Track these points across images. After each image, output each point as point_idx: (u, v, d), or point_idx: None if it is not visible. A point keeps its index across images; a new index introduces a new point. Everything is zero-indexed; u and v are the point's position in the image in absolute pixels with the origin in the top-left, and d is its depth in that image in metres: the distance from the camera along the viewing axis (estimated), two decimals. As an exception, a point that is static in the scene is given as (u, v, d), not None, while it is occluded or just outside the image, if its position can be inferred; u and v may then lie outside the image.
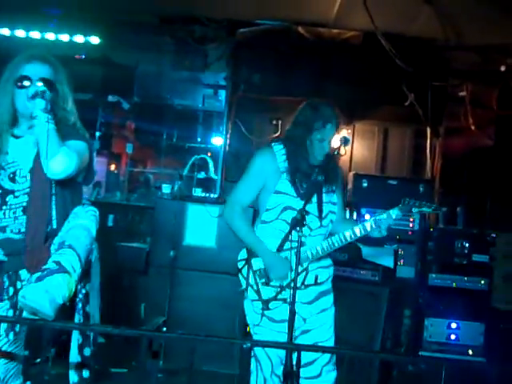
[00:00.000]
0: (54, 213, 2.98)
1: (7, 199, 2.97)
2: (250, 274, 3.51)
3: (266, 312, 3.48)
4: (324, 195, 3.51)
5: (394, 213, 3.44)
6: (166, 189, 5.68)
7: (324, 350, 3.57)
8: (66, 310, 2.84)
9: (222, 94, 7.34)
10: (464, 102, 6.91)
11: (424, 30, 6.35)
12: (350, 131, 6.96)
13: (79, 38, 7.59)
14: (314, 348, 3.50)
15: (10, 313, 2.97)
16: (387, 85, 6.73)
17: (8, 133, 3.03)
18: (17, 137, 3.05)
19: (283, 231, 3.40)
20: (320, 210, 3.47)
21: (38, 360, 3.51)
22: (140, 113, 7.60)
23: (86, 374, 3.24)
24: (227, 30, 7.06)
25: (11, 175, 3.00)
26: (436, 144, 7.05)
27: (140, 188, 8.03)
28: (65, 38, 7.61)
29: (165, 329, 4.89)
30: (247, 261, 3.55)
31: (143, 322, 5.26)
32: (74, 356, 3.23)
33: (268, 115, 7.09)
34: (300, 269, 3.37)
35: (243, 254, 3.59)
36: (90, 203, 3.19)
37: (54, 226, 2.97)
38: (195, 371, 3.75)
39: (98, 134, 7.61)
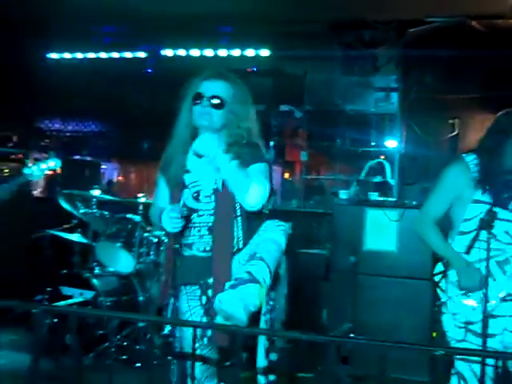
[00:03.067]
0: (240, 233, 3.04)
1: (192, 217, 3.07)
2: (449, 286, 3.39)
3: (469, 326, 3.33)
4: None
5: None
6: (343, 194, 5.66)
7: None
8: (254, 317, 2.90)
9: (394, 96, 7.22)
10: None
11: None
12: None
13: (250, 52, 7.85)
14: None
15: (204, 319, 3.08)
16: None
17: (190, 151, 3.08)
18: (199, 156, 3.06)
19: (484, 241, 3.25)
20: None
21: (228, 363, 3.64)
22: (312, 120, 7.65)
23: (272, 377, 3.30)
24: (396, 31, 6.95)
25: (195, 194, 3.08)
26: None
27: (315, 195, 8.08)
28: (236, 53, 7.90)
29: (352, 335, 4.85)
30: (444, 273, 3.44)
31: (326, 328, 5.26)
32: (261, 360, 3.29)
33: (443, 115, 6.87)
34: (503, 279, 3.24)
35: (439, 267, 3.48)
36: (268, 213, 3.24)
37: (240, 246, 3.03)
38: (383, 378, 3.63)
39: (271, 143, 7.78)
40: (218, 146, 3.00)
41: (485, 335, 3.14)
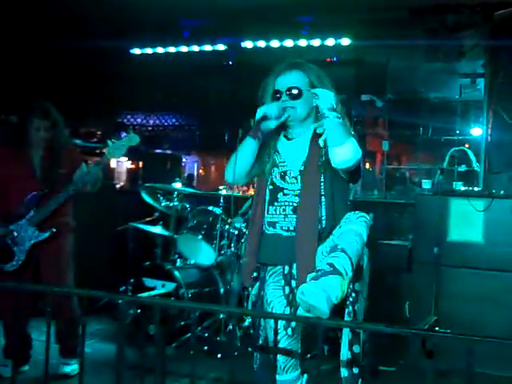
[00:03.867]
0: (323, 213, 3.05)
1: (278, 196, 3.12)
2: None
3: None
4: None
5: None
6: (426, 184, 5.51)
7: None
8: (336, 309, 2.87)
9: (481, 82, 6.97)
10: None
11: None
12: None
13: (330, 41, 7.76)
14: None
15: (287, 310, 3.10)
16: None
17: (281, 134, 3.19)
18: (289, 139, 3.18)
19: None
20: None
21: (310, 355, 3.61)
22: (394, 109, 7.51)
23: (355, 370, 3.25)
24: (482, 15, 6.69)
25: (282, 173, 3.14)
26: None
27: (397, 185, 7.93)
28: (316, 42, 7.83)
29: (437, 328, 4.72)
30: None
31: (408, 321, 5.14)
32: (344, 353, 3.25)
33: (531, 100, 6.56)
34: None
35: None
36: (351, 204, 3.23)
37: (324, 225, 3.04)
38: (470, 373, 3.50)
39: (352, 133, 7.65)
40: (306, 128, 3.12)
41: None
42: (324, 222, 3.05)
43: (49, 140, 4.42)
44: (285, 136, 3.20)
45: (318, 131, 3.04)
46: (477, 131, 6.93)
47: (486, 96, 6.75)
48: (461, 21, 6.78)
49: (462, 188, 5.52)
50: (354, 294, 3.08)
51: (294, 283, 3.07)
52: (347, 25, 7.47)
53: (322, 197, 3.06)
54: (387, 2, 6.67)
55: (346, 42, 7.67)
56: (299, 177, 3.09)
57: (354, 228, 2.94)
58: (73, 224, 4.56)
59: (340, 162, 2.93)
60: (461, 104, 7.25)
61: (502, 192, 5.25)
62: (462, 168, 5.93)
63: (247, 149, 3.10)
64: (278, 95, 3.11)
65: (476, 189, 5.70)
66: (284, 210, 3.10)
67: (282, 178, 3.14)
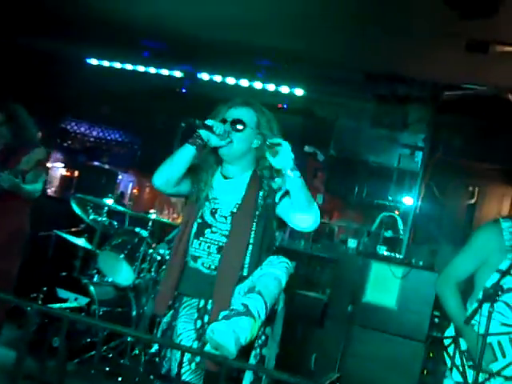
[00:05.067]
0: (247, 260, 3.06)
1: (205, 231, 3.11)
2: (457, 354, 3.27)
3: None
4: None
5: None
6: (351, 243, 5.66)
7: None
8: (244, 350, 2.89)
9: (419, 155, 7.21)
10: None
11: None
12: None
13: (284, 89, 7.90)
14: None
15: (195, 344, 3.08)
16: None
17: (217, 171, 3.19)
18: (225, 177, 3.18)
19: (502, 314, 3.16)
20: None
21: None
22: (334, 165, 7.67)
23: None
24: (431, 92, 6.96)
25: (213, 210, 3.13)
26: None
27: (324, 239, 8.06)
28: (271, 87, 7.96)
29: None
30: (455, 339, 3.32)
31: (313, 374, 5.20)
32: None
33: (464, 181, 6.85)
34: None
35: (451, 331, 3.36)
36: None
37: (245, 273, 3.05)
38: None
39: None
40: (243, 170, 3.14)
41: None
42: (246, 269, 3.06)
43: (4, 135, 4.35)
44: (222, 174, 3.19)
45: (273, 186, 3.08)
46: (408, 200, 7.15)
47: (421, 169, 7.00)
48: (410, 93, 7.03)
49: (385, 253, 5.68)
50: (263, 338, 3.09)
51: (206, 318, 3.07)
52: (303, 76, 7.62)
53: (250, 245, 3.07)
54: (344, 61, 6.86)
55: (299, 92, 7.81)
56: (229, 218, 3.09)
57: (274, 272, 2.97)
58: None
59: (303, 228, 3.02)
60: (397, 172, 7.48)
61: (421, 263, 5.43)
62: (389, 233, 6.10)
63: (182, 154, 3.06)
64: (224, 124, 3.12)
65: (398, 256, 5.87)
66: (209, 247, 3.09)
67: (212, 214, 3.13)
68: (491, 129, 6.68)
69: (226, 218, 3.10)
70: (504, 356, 3.12)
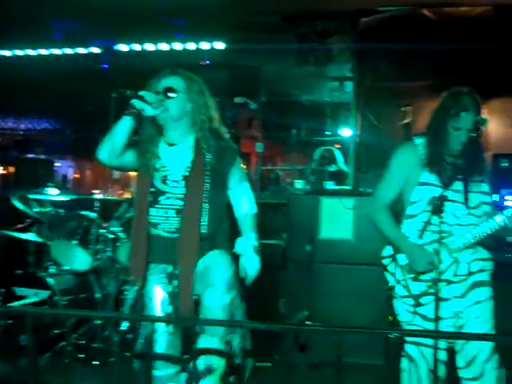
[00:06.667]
0: (206, 218, 3.27)
1: (159, 199, 3.28)
2: (398, 270, 3.42)
3: (417, 309, 3.34)
4: (472, 184, 3.35)
5: None
6: (298, 184, 5.69)
7: (479, 337, 3.31)
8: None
9: (349, 85, 7.26)
10: None
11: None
12: (486, 110, 6.61)
13: (205, 45, 7.82)
14: (468, 336, 3.28)
15: (169, 309, 3.29)
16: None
17: (161, 140, 3.37)
18: (170, 145, 3.36)
19: (431, 223, 3.30)
20: (466, 198, 3.32)
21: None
22: (267, 111, 7.65)
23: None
24: (350, 21, 6.98)
25: (163, 178, 3.31)
26: None
27: (271, 185, 8.09)
28: (191, 46, 7.86)
29: (309, 323, 4.87)
30: (393, 257, 3.46)
31: (284, 317, 5.28)
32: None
33: (397, 102, 6.89)
34: (450, 260, 3.30)
35: (388, 251, 3.50)
36: None
37: (205, 231, 3.26)
38: (340, 363, 3.66)
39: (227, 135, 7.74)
40: (185, 134, 3.33)
41: (437, 318, 3.16)
42: (206, 227, 3.26)
43: None
44: (166, 142, 3.36)
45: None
46: (346, 132, 7.21)
47: (354, 99, 7.04)
48: (330, 27, 7.04)
49: (334, 188, 5.73)
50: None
51: (175, 283, 3.24)
52: (221, 29, 7.54)
53: (206, 204, 3.27)
54: (260, 7, 6.80)
55: (220, 45, 7.75)
56: (182, 181, 3.27)
57: None
58: None
59: (245, 215, 3.44)
60: (331, 106, 7.51)
61: (369, 190, 5.49)
62: (333, 167, 6.16)
63: (120, 125, 3.22)
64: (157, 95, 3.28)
65: (346, 188, 5.93)
66: (166, 212, 3.27)
67: (164, 181, 3.30)
68: (413, 47, 6.72)
69: (177, 181, 3.28)
70: (441, 261, 3.25)
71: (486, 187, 3.42)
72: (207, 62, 7.80)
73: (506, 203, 5.21)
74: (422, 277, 3.34)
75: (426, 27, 6.69)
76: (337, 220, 5.39)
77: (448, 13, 6.63)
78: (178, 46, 7.89)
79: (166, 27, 7.59)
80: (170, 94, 3.26)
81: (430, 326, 3.25)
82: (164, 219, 3.26)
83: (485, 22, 6.44)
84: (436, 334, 3.13)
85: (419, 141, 3.44)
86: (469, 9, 6.54)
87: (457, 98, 3.35)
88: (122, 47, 8.16)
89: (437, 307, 3.16)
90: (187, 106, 3.30)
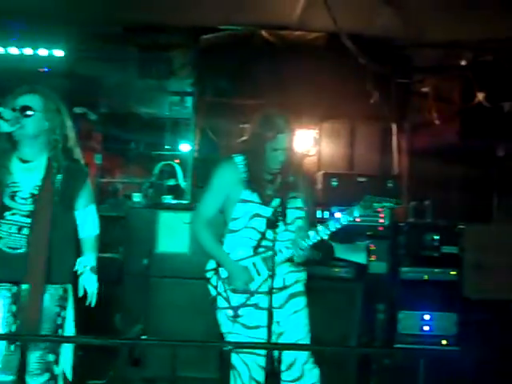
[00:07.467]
0: (52, 238, 3.33)
1: (5, 214, 3.30)
2: (219, 283, 3.61)
3: (237, 319, 3.55)
4: (288, 201, 3.59)
5: (355, 211, 3.49)
6: (136, 197, 5.68)
7: (304, 347, 3.61)
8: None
9: (189, 100, 7.35)
10: (427, 98, 7.00)
11: (385, 29, 6.43)
12: (317, 131, 7.00)
13: (43, 52, 7.55)
14: (293, 346, 3.55)
15: (13, 328, 3.32)
16: (352, 84, 6.78)
17: (14, 155, 3.39)
18: (23, 161, 3.38)
19: (252, 239, 3.54)
20: (284, 215, 3.55)
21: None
22: (107, 123, 7.57)
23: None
24: (191, 37, 7.08)
25: (12, 194, 3.32)
26: (402, 140, 7.14)
27: (109, 198, 7.98)
28: (28, 51, 7.57)
29: (145, 337, 4.86)
30: (216, 270, 3.66)
31: (119, 332, 5.23)
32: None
33: (235, 119, 7.09)
34: (267, 274, 3.49)
35: (212, 264, 3.71)
36: None
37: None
38: (174, 377, 3.75)
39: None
40: (40, 152, 3.37)
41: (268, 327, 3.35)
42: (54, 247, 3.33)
43: None
44: (19, 158, 3.38)
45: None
46: (185, 147, 7.28)
47: (193, 114, 7.14)
48: (171, 41, 7.10)
49: (172, 202, 5.78)
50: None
51: (21, 300, 3.27)
52: (61, 36, 7.35)
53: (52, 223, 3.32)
54: (98, 16, 6.72)
55: (59, 53, 7.53)
56: (30, 199, 3.32)
57: None
58: None
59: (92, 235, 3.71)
60: (170, 121, 7.57)
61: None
62: (171, 182, 6.20)
63: None
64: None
65: (183, 202, 6.00)
66: (10, 228, 3.29)
67: (12, 198, 3.31)
68: (252, 67, 6.97)
69: (26, 199, 3.32)
70: (259, 274, 3.54)
71: (299, 202, 3.67)
72: (46, 69, 7.54)
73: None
74: (241, 289, 3.56)
75: (264, 48, 6.95)
76: (174, 234, 5.44)
77: (284, 36, 6.94)
78: (14, 50, 7.57)
79: (1, 30, 7.28)
80: (26, 113, 3.31)
81: (251, 333, 3.49)
82: (7, 234, 3.29)
83: (317, 47, 6.81)
84: (270, 346, 3.32)
85: (239, 159, 3.62)
86: (304, 34, 6.88)
87: (271, 121, 3.55)
88: None
89: (257, 317, 3.47)
90: (44, 124, 3.36)
